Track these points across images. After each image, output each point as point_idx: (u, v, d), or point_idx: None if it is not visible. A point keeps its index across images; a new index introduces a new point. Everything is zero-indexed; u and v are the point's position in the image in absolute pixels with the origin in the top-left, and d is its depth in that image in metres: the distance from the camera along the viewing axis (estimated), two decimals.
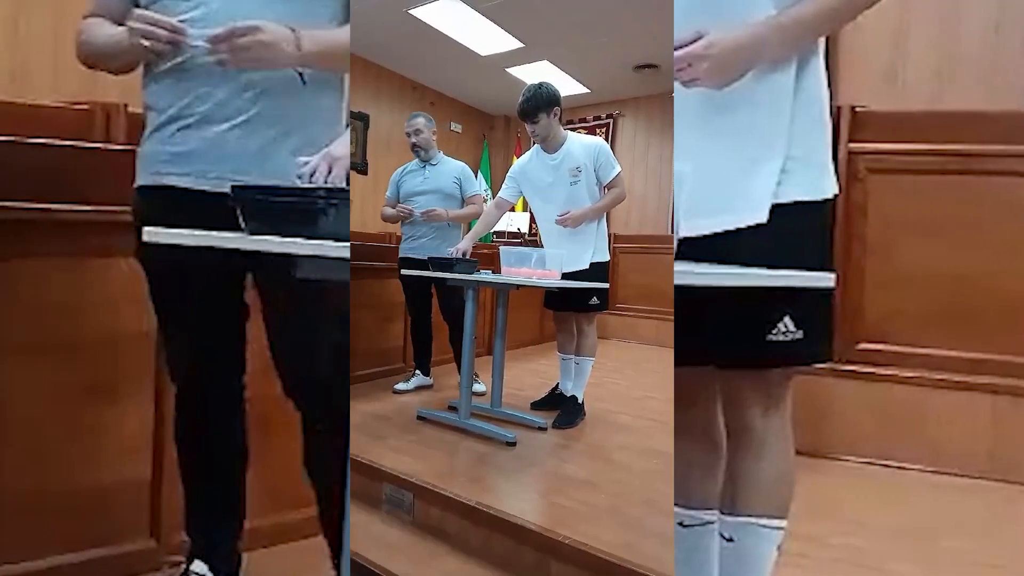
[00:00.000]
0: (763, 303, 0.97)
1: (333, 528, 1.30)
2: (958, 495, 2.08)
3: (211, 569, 1.35)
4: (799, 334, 1.00)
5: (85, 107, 1.86)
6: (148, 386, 1.50)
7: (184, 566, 1.37)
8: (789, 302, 0.99)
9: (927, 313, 2.32)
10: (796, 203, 0.99)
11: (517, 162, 2.83)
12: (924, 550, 1.68)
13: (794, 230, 0.99)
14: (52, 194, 1.37)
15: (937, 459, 2.24)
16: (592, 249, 2.60)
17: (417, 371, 3.06)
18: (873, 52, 3.07)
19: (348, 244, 1.01)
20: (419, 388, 3.06)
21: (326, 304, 1.21)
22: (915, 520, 1.89)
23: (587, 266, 2.57)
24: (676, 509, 1.18)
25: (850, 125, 2.43)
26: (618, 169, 2.60)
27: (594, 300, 2.60)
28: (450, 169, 3.04)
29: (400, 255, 3.04)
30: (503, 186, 2.79)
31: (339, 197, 1.11)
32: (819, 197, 1.01)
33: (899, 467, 2.27)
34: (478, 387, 3.02)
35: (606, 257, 2.65)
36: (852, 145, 2.42)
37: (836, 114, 2.45)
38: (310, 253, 0.97)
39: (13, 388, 1.36)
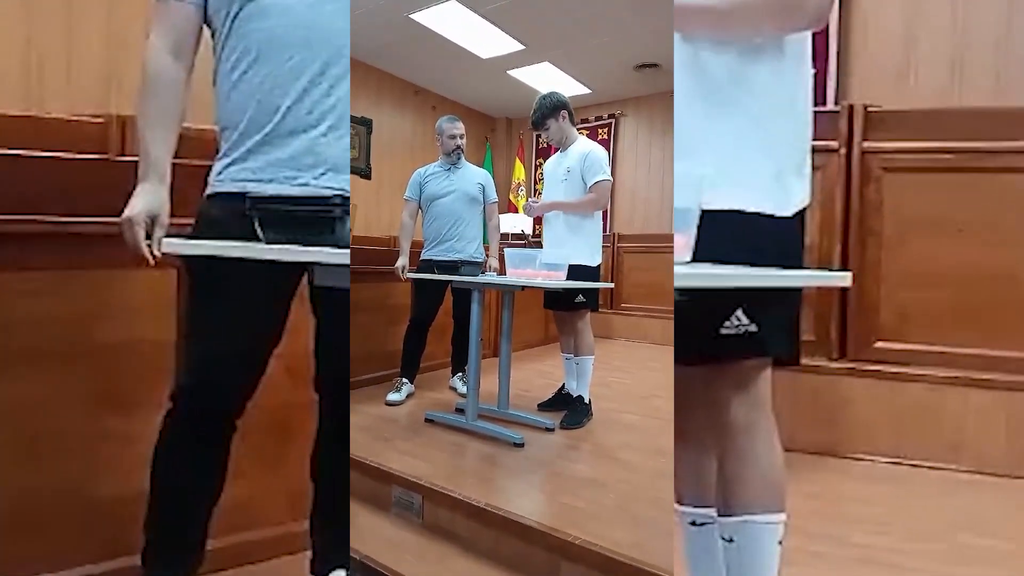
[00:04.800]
0: (716, 296, 0.98)
1: (328, 529, 1.37)
2: (976, 493, 2.07)
3: None
4: (752, 327, 1.01)
5: (100, 120, 1.87)
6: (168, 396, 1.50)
7: None
8: (742, 296, 1.00)
9: (942, 311, 2.32)
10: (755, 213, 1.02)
11: (547, 161, 2.98)
12: (944, 548, 1.67)
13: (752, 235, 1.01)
14: (68, 207, 1.37)
15: (954, 457, 2.22)
16: (568, 252, 2.59)
17: (405, 380, 3.01)
18: (885, 51, 3.06)
19: (348, 251, 1.07)
20: (408, 397, 2.99)
21: (345, 306, 1.30)
22: (934, 518, 1.87)
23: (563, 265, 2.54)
24: (685, 508, 1.19)
25: (863, 124, 2.43)
26: (601, 177, 2.63)
27: (580, 299, 2.63)
28: (473, 174, 3.15)
29: (422, 258, 3.09)
30: None
31: (347, 206, 1.16)
32: (778, 213, 1.03)
33: (916, 465, 2.25)
34: (463, 388, 3.01)
35: (590, 262, 2.66)
36: (865, 144, 2.42)
37: (849, 113, 2.45)
38: (331, 261, 0.99)
39: (31, 398, 1.36)
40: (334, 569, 1.35)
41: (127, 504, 1.38)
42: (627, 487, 1.95)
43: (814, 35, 1.10)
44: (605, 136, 7.30)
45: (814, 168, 1.10)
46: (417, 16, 5.15)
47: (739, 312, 1.00)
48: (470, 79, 6.67)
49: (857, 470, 2.24)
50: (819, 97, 3.29)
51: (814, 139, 1.09)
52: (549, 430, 2.52)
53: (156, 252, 1.12)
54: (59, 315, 1.39)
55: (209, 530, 1.28)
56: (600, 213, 2.75)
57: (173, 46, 1.20)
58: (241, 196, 1.17)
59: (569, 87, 6.52)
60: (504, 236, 7.28)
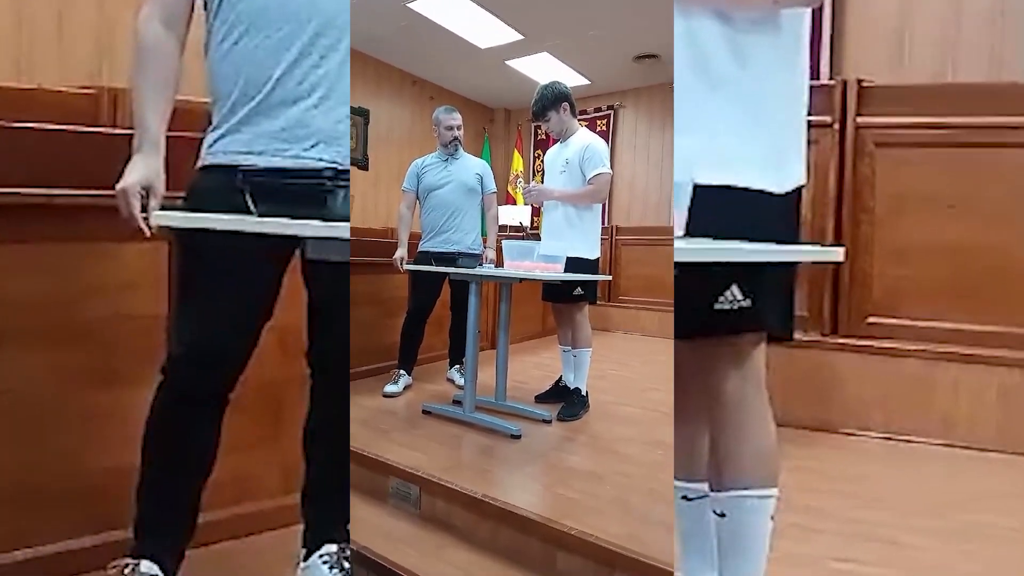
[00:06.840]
0: (711, 272, 0.99)
1: (322, 503, 1.37)
2: (968, 467, 2.08)
3: (162, 570, 1.23)
4: (746, 302, 1.01)
5: (91, 91, 1.85)
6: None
7: (130, 566, 1.22)
8: (736, 271, 1.01)
9: (935, 286, 2.33)
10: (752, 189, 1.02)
11: (547, 152, 2.97)
12: (938, 523, 1.68)
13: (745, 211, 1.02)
14: (59, 179, 1.36)
15: (947, 432, 2.24)
16: (566, 244, 2.60)
17: (403, 372, 3.01)
18: (879, 26, 3.05)
19: (348, 224, 1.06)
20: (406, 388, 3.00)
21: (345, 279, 1.30)
22: (928, 493, 1.89)
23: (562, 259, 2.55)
24: (678, 483, 1.21)
25: (857, 99, 2.42)
26: (601, 169, 2.61)
27: (578, 291, 2.63)
28: (471, 165, 3.14)
29: (420, 249, 3.08)
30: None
31: (345, 179, 1.15)
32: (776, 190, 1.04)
33: (909, 440, 2.27)
34: (460, 380, 3.02)
35: (589, 254, 2.65)
36: (859, 119, 2.43)
37: (843, 88, 2.45)
38: (321, 234, 0.99)
39: (22, 373, 1.36)
40: (326, 543, 1.34)
41: (120, 477, 1.37)
42: (624, 479, 1.96)
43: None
44: (604, 128, 7.27)
45: (807, 143, 1.10)
46: (415, 5, 5.11)
47: (734, 287, 1.01)
48: (468, 69, 6.63)
49: (850, 445, 2.26)
50: (813, 71, 3.28)
51: (807, 114, 1.09)
52: (546, 422, 2.52)
53: (152, 223, 1.11)
54: (49, 288, 1.38)
55: (201, 503, 1.28)
56: (599, 206, 2.74)
57: (165, 16, 1.19)
58: (233, 168, 1.16)
59: (568, 78, 6.48)
60: (502, 228, 7.27)
